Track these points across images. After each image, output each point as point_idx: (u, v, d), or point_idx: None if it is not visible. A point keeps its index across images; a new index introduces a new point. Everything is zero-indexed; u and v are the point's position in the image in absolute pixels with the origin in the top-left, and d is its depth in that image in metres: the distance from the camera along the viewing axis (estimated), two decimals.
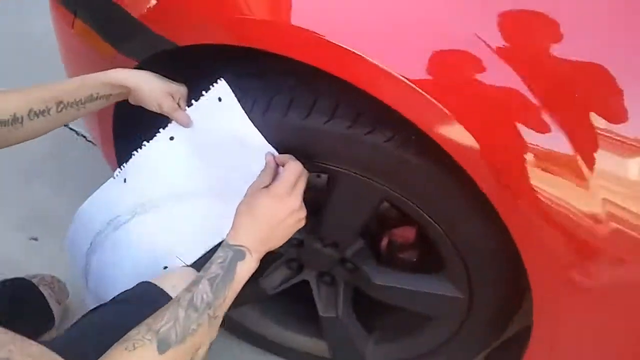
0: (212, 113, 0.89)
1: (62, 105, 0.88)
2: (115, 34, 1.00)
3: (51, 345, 0.60)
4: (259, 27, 0.81)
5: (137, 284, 0.88)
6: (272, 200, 0.79)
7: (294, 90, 0.89)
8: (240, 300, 0.80)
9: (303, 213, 0.83)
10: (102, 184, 0.99)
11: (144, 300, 0.83)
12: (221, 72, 0.95)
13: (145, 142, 0.95)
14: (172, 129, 0.93)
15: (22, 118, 0.84)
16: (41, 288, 1.29)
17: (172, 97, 0.91)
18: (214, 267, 0.76)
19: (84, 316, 0.86)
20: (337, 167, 0.91)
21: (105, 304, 0.87)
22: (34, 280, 1.30)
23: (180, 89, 0.93)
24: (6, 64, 1.98)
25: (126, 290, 0.88)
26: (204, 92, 0.89)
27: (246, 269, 0.77)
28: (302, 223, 0.83)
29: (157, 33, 0.91)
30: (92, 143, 1.78)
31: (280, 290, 1.20)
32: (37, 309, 1.27)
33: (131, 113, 1.00)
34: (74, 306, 1.39)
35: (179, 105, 0.91)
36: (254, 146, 0.88)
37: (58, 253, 1.29)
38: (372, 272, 1.07)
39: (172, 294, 0.83)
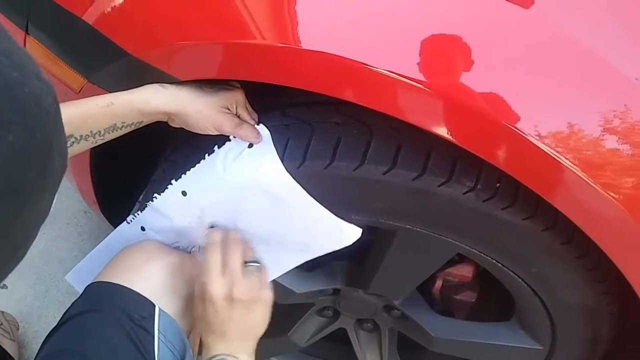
0: (239, 162, 0.69)
1: (72, 140, 0.63)
2: (83, 59, 0.76)
3: None
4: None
5: (82, 292, 0.73)
6: (224, 315, 0.68)
7: (339, 130, 0.68)
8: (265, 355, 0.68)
9: (269, 297, 0.71)
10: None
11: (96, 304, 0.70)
12: None
13: (156, 195, 0.75)
14: (185, 182, 0.73)
15: None
16: None
17: (229, 109, 0.68)
18: None
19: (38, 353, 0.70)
20: (398, 224, 0.72)
21: (52, 330, 0.70)
22: None
23: (235, 95, 0.68)
24: None
25: (71, 306, 0.71)
26: (231, 137, 0.69)
27: None
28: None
29: (149, 63, 0.68)
30: None
31: (315, 341, 1.02)
32: None
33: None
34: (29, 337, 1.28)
35: (239, 117, 0.68)
36: (291, 204, 0.70)
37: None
38: (429, 323, 0.89)
39: (123, 281, 0.70)
